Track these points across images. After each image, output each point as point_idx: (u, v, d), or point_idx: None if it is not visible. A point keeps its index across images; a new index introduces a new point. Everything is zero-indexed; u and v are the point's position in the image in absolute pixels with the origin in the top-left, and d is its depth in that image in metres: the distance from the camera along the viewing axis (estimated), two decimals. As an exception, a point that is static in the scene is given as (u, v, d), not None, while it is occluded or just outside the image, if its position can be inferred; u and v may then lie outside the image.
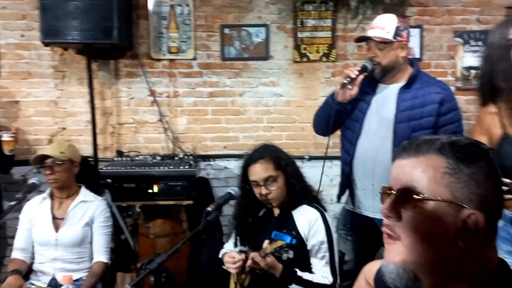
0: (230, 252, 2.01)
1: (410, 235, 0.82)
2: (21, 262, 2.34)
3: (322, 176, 2.35)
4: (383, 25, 2.16)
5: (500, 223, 0.89)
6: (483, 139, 1.89)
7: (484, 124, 1.86)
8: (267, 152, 2.00)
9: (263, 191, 1.94)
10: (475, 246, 0.81)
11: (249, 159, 2.00)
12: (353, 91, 2.16)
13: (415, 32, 3.25)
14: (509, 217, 1.65)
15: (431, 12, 3.33)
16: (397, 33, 2.14)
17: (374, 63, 2.18)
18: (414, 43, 3.26)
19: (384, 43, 2.14)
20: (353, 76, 2.15)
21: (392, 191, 0.86)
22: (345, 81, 2.15)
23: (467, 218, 0.80)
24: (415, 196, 0.82)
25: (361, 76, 2.16)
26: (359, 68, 2.17)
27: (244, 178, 2.02)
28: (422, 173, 0.83)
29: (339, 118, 2.28)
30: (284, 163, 1.98)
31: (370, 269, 1.17)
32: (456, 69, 3.35)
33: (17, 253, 2.37)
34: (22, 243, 2.38)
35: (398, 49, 2.16)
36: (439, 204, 0.81)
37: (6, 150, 2.89)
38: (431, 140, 0.85)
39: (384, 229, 0.87)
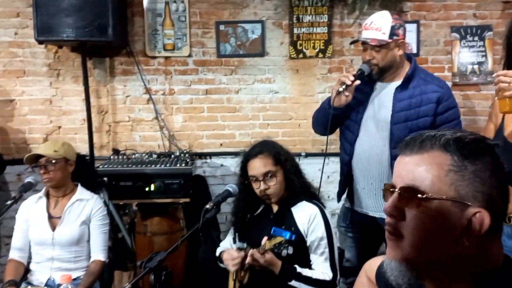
0: (229, 250, 2.00)
1: (413, 234, 0.80)
2: (17, 264, 2.33)
3: (320, 173, 2.34)
4: (378, 25, 2.13)
5: None
6: (491, 127, 1.90)
7: (494, 109, 1.87)
8: (266, 147, 2.00)
9: (262, 186, 1.94)
10: (480, 244, 0.79)
11: (248, 154, 2.00)
12: (349, 97, 2.15)
13: (412, 27, 3.24)
14: None
15: (428, 7, 3.32)
16: (393, 33, 2.12)
17: (371, 66, 2.16)
18: (411, 38, 3.25)
19: (381, 45, 2.12)
20: (348, 83, 2.12)
21: (395, 189, 0.84)
22: (341, 89, 2.13)
23: (472, 217, 0.78)
24: (418, 195, 0.80)
25: (357, 82, 2.14)
26: (354, 73, 2.15)
27: (243, 173, 2.01)
28: (425, 171, 0.81)
29: (337, 121, 2.28)
30: (283, 158, 1.98)
31: (371, 265, 1.16)
32: (453, 65, 3.34)
33: (15, 253, 2.35)
34: (19, 243, 2.37)
35: (395, 48, 2.15)
36: (443, 203, 0.79)
37: None
38: (435, 136, 0.83)
39: (387, 227, 0.85)
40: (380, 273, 1.02)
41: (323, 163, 2.33)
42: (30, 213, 2.38)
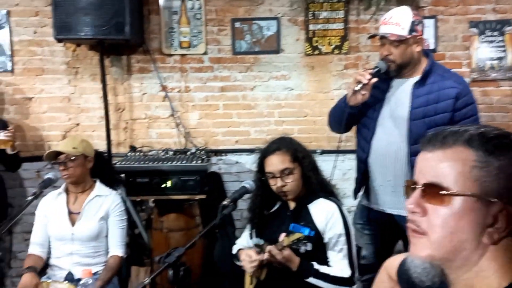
0: (248, 250, 1.97)
1: (437, 231, 0.79)
2: (37, 258, 2.36)
3: (335, 170, 2.34)
4: (398, 21, 2.10)
5: None
6: None
7: None
8: (284, 144, 1.99)
9: (279, 183, 1.93)
10: (506, 242, 0.78)
11: (266, 151, 1.99)
12: (366, 95, 2.13)
13: (429, 23, 3.19)
14: None
15: (446, 2, 3.27)
16: (412, 28, 2.09)
17: (388, 62, 2.14)
18: (428, 34, 3.21)
19: (400, 41, 2.10)
20: (365, 81, 2.10)
21: (417, 186, 0.83)
22: (357, 88, 2.11)
23: (498, 214, 0.77)
24: (442, 192, 0.79)
25: (374, 80, 2.12)
26: (371, 72, 2.13)
27: (260, 169, 2.01)
28: (449, 167, 0.79)
29: (353, 119, 2.26)
30: (301, 155, 1.97)
31: (392, 263, 1.15)
32: (471, 60, 3.29)
33: (34, 248, 2.39)
34: (38, 238, 2.40)
35: (414, 44, 2.12)
36: (467, 200, 0.77)
37: (9, 150, 2.81)
38: (459, 131, 0.81)
39: (409, 224, 0.84)
40: (402, 271, 1.02)
41: (335, 160, 2.33)
42: (50, 209, 2.41)
